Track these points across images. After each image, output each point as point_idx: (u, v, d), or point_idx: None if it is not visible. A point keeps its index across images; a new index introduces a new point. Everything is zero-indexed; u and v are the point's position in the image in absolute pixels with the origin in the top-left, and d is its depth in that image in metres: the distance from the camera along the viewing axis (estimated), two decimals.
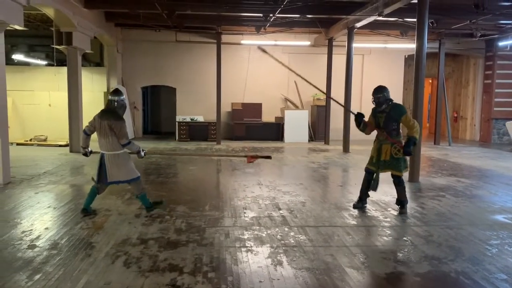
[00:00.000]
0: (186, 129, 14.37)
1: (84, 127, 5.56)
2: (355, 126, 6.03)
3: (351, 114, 6.22)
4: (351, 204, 6.16)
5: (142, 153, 5.55)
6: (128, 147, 5.36)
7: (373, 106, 5.88)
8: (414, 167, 8.01)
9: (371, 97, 5.82)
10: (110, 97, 5.43)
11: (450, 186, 7.69)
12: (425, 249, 4.42)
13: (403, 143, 5.63)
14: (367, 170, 5.98)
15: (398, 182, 5.79)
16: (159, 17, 12.03)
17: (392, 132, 5.70)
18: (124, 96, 5.55)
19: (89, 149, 5.59)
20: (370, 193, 6.06)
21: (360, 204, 6.06)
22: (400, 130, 5.84)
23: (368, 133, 6.02)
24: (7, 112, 7.49)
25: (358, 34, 12.62)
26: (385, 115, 5.70)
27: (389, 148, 5.67)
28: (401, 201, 5.84)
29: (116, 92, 5.50)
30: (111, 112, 5.34)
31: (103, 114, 5.36)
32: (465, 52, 15.93)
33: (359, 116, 5.89)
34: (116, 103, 5.38)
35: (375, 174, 5.84)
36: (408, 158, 5.83)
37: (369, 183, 5.94)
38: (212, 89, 14.14)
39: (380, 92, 5.72)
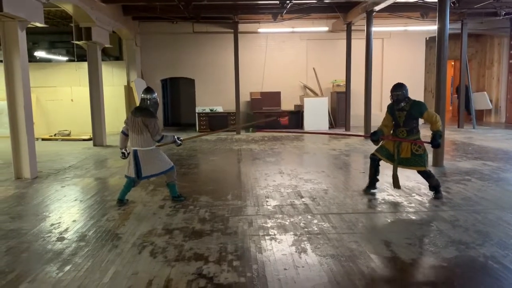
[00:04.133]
0: (206, 120, 14.43)
1: (122, 128, 5.68)
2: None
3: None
4: (374, 191, 6.11)
5: (178, 141, 5.72)
6: (163, 142, 5.53)
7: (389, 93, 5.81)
8: (438, 152, 7.87)
9: (390, 94, 5.75)
10: (143, 95, 5.58)
11: (476, 169, 7.53)
12: (452, 234, 4.36)
13: (430, 139, 5.55)
14: (372, 157, 5.96)
15: (427, 176, 5.73)
16: (176, 9, 12.06)
17: (414, 130, 5.67)
18: (156, 94, 5.67)
19: (127, 150, 5.69)
20: (385, 180, 6.04)
21: (369, 189, 6.06)
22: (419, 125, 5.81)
23: (388, 138, 5.88)
24: (32, 108, 7.65)
25: (377, 18, 12.37)
26: (406, 113, 5.62)
27: (409, 145, 5.63)
28: (434, 187, 5.78)
29: (149, 90, 5.64)
30: (145, 110, 5.49)
31: (136, 111, 5.52)
32: (488, 32, 15.46)
33: (374, 134, 5.80)
34: (148, 101, 5.53)
35: (393, 170, 5.81)
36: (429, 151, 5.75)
37: (376, 169, 5.97)
38: (230, 79, 14.12)
39: (399, 89, 5.63)
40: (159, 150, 5.65)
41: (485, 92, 14.13)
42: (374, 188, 6.10)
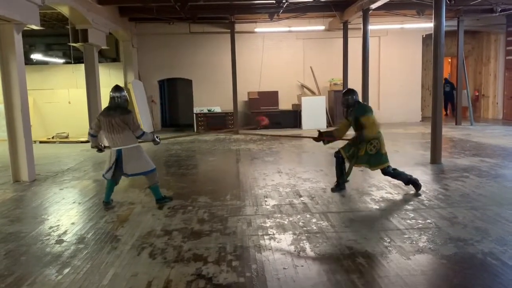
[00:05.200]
0: (204, 121, 14.42)
1: (88, 131, 5.66)
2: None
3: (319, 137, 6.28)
4: (373, 189, 6.13)
5: (157, 139, 5.70)
6: (144, 138, 5.50)
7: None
8: (436, 148, 7.89)
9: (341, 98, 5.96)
10: (111, 94, 5.52)
11: (474, 166, 7.55)
12: (450, 231, 4.37)
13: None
14: (336, 155, 6.03)
15: (391, 174, 5.80)
16: (172, 10, 12.04)
17: (363, 132, 5.72)
18: (125, 92, 5.65)
19: (102, 144, 5.78)
20: (384, 178, 6.14)
21: (338, 188, 6.09)
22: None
23: (342, 136, 6.11)
24: (29, 111, 7.64)
25: (373, 16, 12.39)
26: (353, 117, 5.79)
27: (365, 145, 5.72)
28: (408, 181, 5.84)
29: (117, 88, 5.61)
30: (119, 108, 5.44)
31: (109, 112, 5.44)
32: (485, 29, 15.49)
33: (320, 137, 6.07)
34: (119, 99, 5.49)
35: (349, 165, 5.91)
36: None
37: (341, 167, 6.03)
38: (227, 79, 14.12)
39: (347, 94, 5.87)
40: (142, 149, 5.60)
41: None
42: (343, 187, 6.13)
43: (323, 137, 6.14)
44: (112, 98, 5.50)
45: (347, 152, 5.91)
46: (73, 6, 9.48)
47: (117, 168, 5.44)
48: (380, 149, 5.70)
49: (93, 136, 5.61)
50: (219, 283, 3.36)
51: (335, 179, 6.40)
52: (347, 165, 6.00)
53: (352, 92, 5.90)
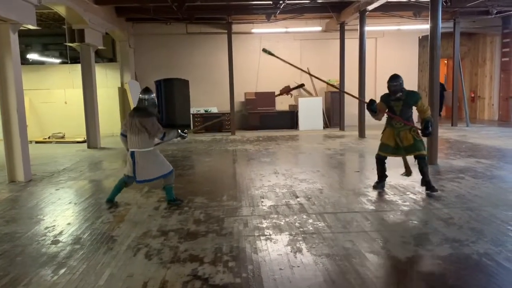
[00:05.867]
0: (200, 121, 14.41)
1: (120, 131, 5.66)
2: (370, 115, 6.12)
3: (364, 103, 6.28)
4: (369, 190, 6.15)
5: (184, 134, 5.63)
6: (167, 138, 5.48)
7: (384, 92, 6.00)
8: (432, 150, 7.91)
9: (387, 84, 5.90)
10: (140, 95, 5.51)
11: (470, 167, 7.58)
12: (446, 232, 4.38)
13: (422, 126, 5.73)
14: (378, 157, 6.09)
15: (425, 163, 5.83)
16: (169, 10, 12.03)
17: (409, 118, 5.87)
18: (154, 94, 5.62)
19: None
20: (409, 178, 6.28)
21: (380, 186, 6.15)
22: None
23: (379, 118, 6.12)
24: (25, 111, 7.61)
25: (370, 17, 12.42)
26: (402, 103, 5.81)
27: (408, 132, 5.80)
28: (427, 181, 5.89)
29: (146, 90, 5.59)
30: (142, 110, 5.44)
31: (134, 112, 5.47)
32: (481, 31, 15.56)
33: (372, 104, 5.92)
34: (146, 102, 5.47)
35: (403, 160, 5.99)
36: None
37: (383, 166, 6.10)
38: (225, 80, 14.11)
39: (396, 80, 5.83)
40: (158, 152, 5.57)
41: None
42: (383, 186, 6.18)
43: (371, 107, 5.90)
44: (140, 100, 5.50)
45: (387, 151, 5.98)
46: (70, 6, 9.46)
47: (134, 168, 5.41)
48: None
49: (124, 136, 5.55)
50: (215, 284, 3.36)
51: (331, 180, 6.42)
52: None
53: (400, 77, 5.85)
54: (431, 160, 7.90)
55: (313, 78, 14.94)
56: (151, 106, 5.50)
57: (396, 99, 5.83)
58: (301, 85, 6.95)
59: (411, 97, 5.81)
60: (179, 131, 5.63)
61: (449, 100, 15.33)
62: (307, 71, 7.03)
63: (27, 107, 11.05)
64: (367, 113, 7.22)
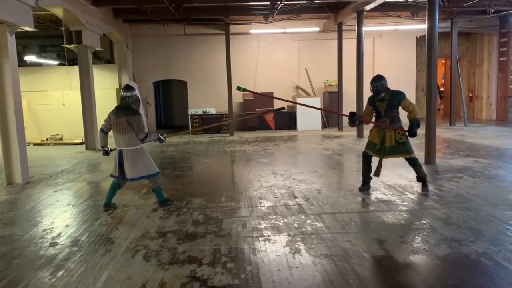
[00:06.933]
0: (199, 122, 14.40)
1: (100, 126, 5.61)
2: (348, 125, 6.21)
3: (346, 116, 6.29)
4: (368, 190, 6.13)
5: (162, 137, 5.64)
6: (148, 140, 5.44)
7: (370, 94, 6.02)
8: (430, 149, 7.93)
9: (370, 86, 5.94)
10: (122, 93, 5.46)
11: (468, 167, 7.58)
12: (444, 232, 4.38)
13: (408, 127, 5.74)
14: (364, 154, 6.09)
15: (414, 163, 5.90)
16: (167, 11, 12.03)
17: (395, 118, 5.84)
18: (136, 91, 5.59)
19: (109, 147, 5.66)
20: (379, 178, 6.16)
21: (365, 187, 6.12)
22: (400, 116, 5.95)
23: (367, 123, 6.16)
24: (22, 113, 7.59)
25: (367, 17, 12.44)
26: (386, 103, 5.81)
27: (393, 134, 5.79)
28: (421, 178, 5.95)
29: (128, 88, 5.52)
30: (127, 108, 5.39)
31: (118, 111, 5.41)
32: (478, 30, 15.58)
33: (352, 116, 6.01)
34: (130, 99, 5.42)
35: (379, 160, 5.92)
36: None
37: (369, 166, 6.07)
38: (223, 81, 14.10)
39: (378, 81, 5.87)
40: (145, 151, 5.55)
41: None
42: (369, 187, 6.14)
43: (355, 117, 6.03)
44: (122, 98, 5.44)
45: (373, 149, 5.96)
46: (67, 7, 9.45)
47: (121, 170, 5.40)
48: (407, 137, 5.79)
49: (104, 132, 5.53)
50: (214, 285, 3.36)
51: (329, 180, 6.42)
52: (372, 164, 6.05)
53: (382, 78, 5.89)
54: (429, 159, 7.93)
55: (310, 78, 15.01)
56: (135, 103, 5.45)
57: (381, 99, 5.84)
58: (282, 108, 7.21)
59: (395, 97, 5.79)
60: (159, 134, 5.64)
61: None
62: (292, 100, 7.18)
63: (25, 109, 11.05)
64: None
